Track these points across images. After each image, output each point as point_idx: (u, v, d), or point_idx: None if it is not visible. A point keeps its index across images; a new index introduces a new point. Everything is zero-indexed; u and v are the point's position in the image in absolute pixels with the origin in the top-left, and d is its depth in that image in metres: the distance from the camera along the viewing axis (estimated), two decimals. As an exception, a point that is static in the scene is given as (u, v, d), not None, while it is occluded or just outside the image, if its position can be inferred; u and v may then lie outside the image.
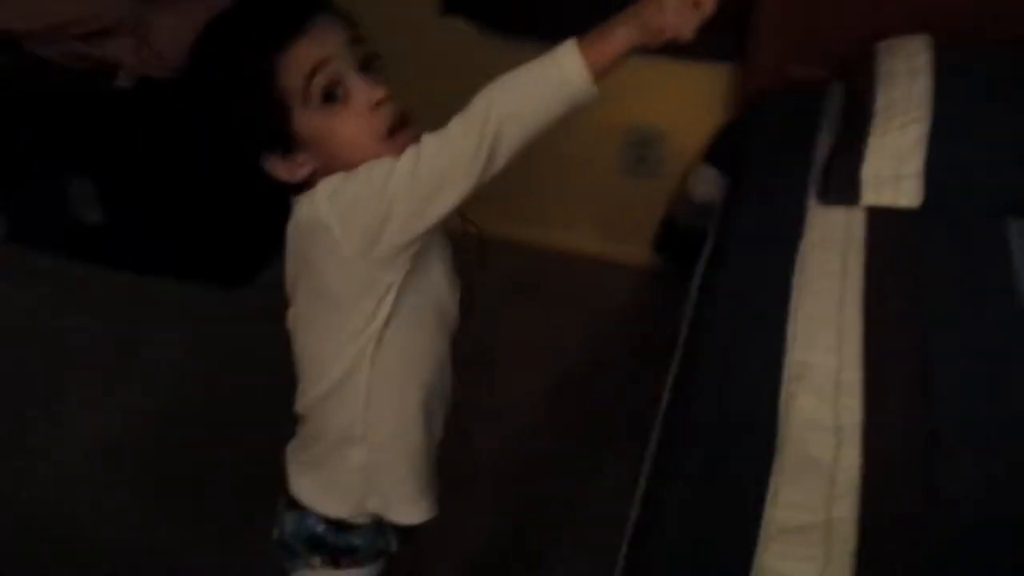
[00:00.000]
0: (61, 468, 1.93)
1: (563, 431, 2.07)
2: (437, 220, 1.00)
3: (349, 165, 1.01)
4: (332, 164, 1.02)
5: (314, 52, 0.99)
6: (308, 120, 1.00)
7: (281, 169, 1.03)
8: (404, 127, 1.03)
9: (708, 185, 2.11)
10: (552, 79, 0.95)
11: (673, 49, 2.04)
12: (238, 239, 2.22)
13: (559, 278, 2.48)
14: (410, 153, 0.96)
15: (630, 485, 1.30)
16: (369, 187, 0.97)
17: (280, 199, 1.07)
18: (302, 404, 1.15)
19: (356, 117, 1.01)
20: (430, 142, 0.96)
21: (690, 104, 2.25)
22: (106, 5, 2.04)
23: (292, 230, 1.05)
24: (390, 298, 1.04)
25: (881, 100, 1.67)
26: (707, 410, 1.25)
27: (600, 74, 0.94)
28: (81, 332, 2.26)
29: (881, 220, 1.55)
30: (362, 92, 1.01)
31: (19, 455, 1.96)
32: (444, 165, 0.96)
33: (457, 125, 0.96)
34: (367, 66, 1.03)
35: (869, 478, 1.12)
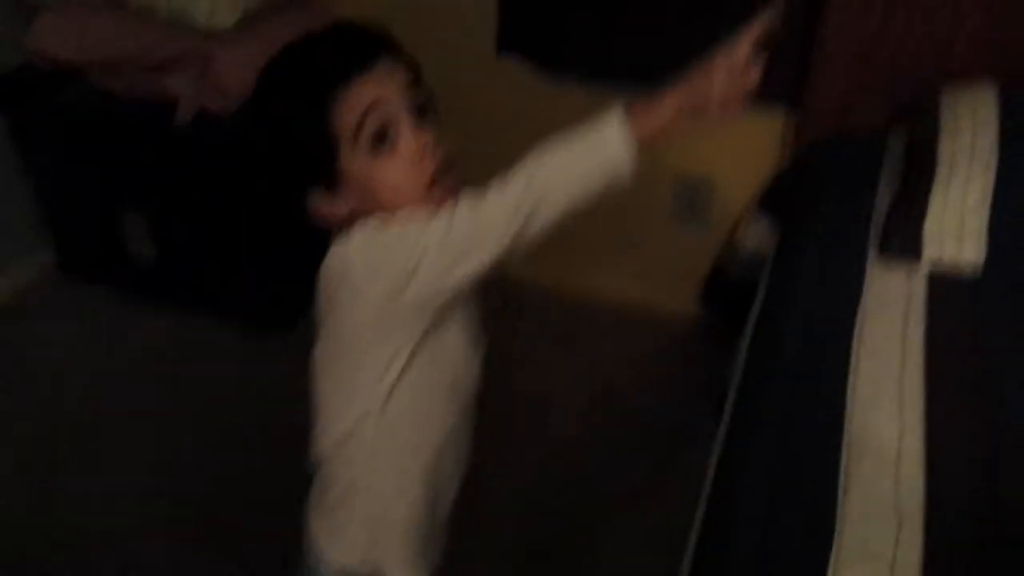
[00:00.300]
0: (99, 505, 1.94)
1: (605, 492, 2.02)
2: (464, 280, 1.00)
3: (387, 208, 1.02)
4: (371, 205, 1.03)
5: (370, 93, 1.00)
6: (355, 159, 1.02)
7: (323, 205, 1.04)
8: (447, 174, 1.03)
9: (760, 235, 2.08)
10: (595, 154, 0.95)
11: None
12: (282, 284, 2.22)
13: (605, 328, 2.46)
14: (446, 213, 0.97)
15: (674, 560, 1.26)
16: (401, 241, 0.98)
17: (324, 245, 1.07)
18: (318, 448, 1.16)
19: (401, 163, 1.02)
20: (466, 206, 0.96)
21: (742, 151, 2.21)
22: (170, 39, 2.07)
23: (323, 271, 1.06)
24: (404, 355, 1.04)
25: (945, 151, 1.62)
26: (759, 488, 1.19)
27: (646, 144, 0.93)
28: (123, 368, 2.28)
29: (942, 286, 1.50)
30: (411, 139, 1.02)
31: (57, 492, 1.97)
32: (476, 231, 0.96)
33: (496, 193, 0.95)
34: (422, 111, 1.04)
35: (929, 567, 1.06)
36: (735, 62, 0.95)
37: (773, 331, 1.51)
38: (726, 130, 2.18)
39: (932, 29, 1.85)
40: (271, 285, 2.33)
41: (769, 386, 1.35)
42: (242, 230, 2.25)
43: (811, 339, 1.44)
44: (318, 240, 1.07)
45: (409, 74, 1.04)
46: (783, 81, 2.03)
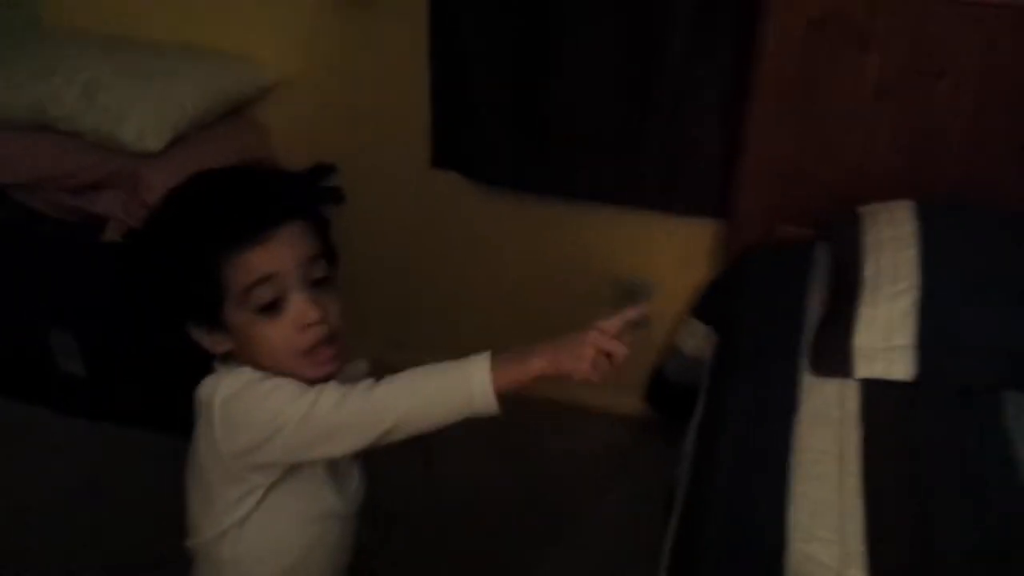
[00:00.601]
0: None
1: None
2: (319, 459, 1.07)
3: (262, 364, 1.04)
4: (248, 355, 1.05)
5: (268, 264, 1.00)
6: (238, 317, 1.03)
7: (204, 340, 1.07)
8: (328, 345, 1.05)
9: (697, 339, 2.11)
10: (458, 394, 0.99)
11: (662, 204, 2.07)
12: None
13: (550, 431, 2.42)
14: (312, 394, 0.99)
15: None
16: (262, 408, 1.01)
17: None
18: (190, 543, 1.19)
19: (283, 330, 1.03)
20: (332, 397, 0.99)
21: (678, 257, 2.25)
22: (99, 159, 2.04)
23: (196, 394, 1.09)
24: (258, 493, 1.07)
25: (869, 268, 1.67)
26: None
27: (504, 391, 0.99)
28: (54, 481, 2.18)
29: (875, 393, 1.53)
30: (297, 312, 1.02)
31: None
32: (333, 426, 0.99)
33: (361, 399, 0.99)
34: (318, 283, 1.05)
35: None
36: (605, 338, 1.03)
37: (711, 450, 1.51)
38: (665, 237, 2.24)
39: (844, 153, 1.94)
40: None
41: (709, 516, 1.34)
42: (172, 344, 2.19)
43: (747, 458, 1.44)
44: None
45: (314, 244, 1.04)
46: (712, 193, 2.10)
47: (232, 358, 1.08)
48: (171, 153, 2.05)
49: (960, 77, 1.81)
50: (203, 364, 2.13)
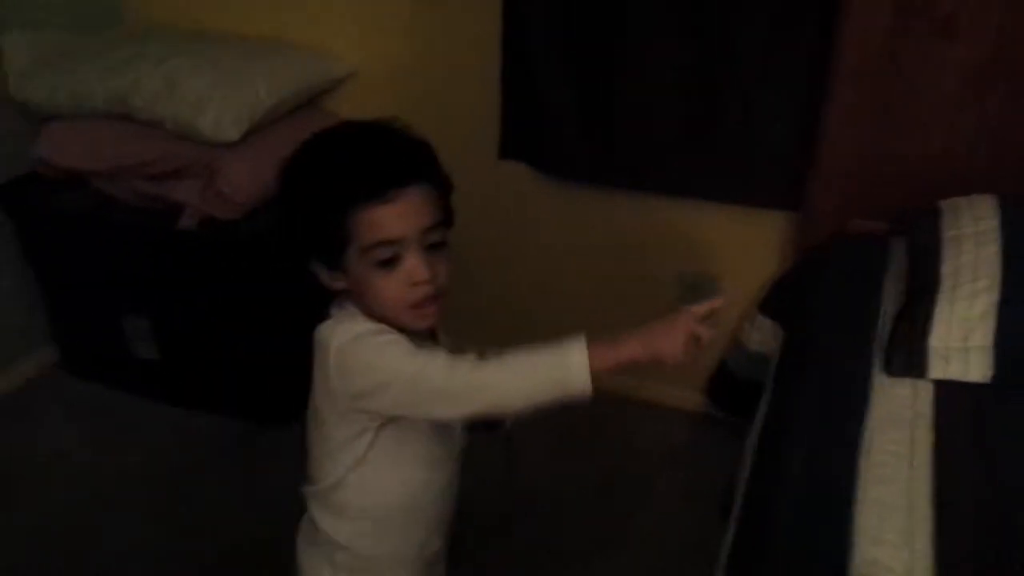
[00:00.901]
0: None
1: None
2: (421, 419, 1.13)
3: (371, 309, 1.11)
4: (360, 297, 1.12)
5: (392, 227, 1.06)
6: (356, 265, 1.09)
7: (324, 276, 1.12)
8: (433, 302, 1.11)
9: (763, 335, 2.07)
10: (556, 374, 1.01)
11: (733, 197, 2.04)
12: (281, 381, 2.22)
13: (613, 423, 2.41)
14: (424, 356, 1.05)
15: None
16: (378, 362, 1.06)
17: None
18: (307, 492, 1.25)
19: (395, 284, 1.09)
20: (438, 365, 1.04)
21: (747, 250, 2.22)
22: (178, 148, 2.10)
23: (316, 334, 1.13)
24: (368, 436, 1.13)
25: (948, 265, 1.61)
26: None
27: (600, 372, 1.00)
28: (125, 466, 2.25)
29: (950, 395, 1.48)
30: (412, 269, 1.08)
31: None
32: (439, 391, 1.04)
33: (468, 371, 1.03)
34: (433, 246, 1.10)
35: None
36: (694, 322, 1.04)
37: (777, 449, 1.47)
38: (734, 229, 2.21)
39: (924, 147, 1.88)
40: (270, 383, 2.32)
41: (772, 516, 1.31)
42: (243, 331, 2.25)
43: (815, 459, 1.40)
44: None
45: (434, 210, 1.10)
46: (784, 187, 2.05)
47: (346, 298, 1.14)
48: (248, 143, 2.10)
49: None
50: (273, 349, 2.18)
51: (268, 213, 2.11)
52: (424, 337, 1.17)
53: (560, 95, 2.14)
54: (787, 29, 1.90)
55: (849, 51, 1.85)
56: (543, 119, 2.17)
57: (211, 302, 2.24)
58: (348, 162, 1.08)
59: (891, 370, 1.54)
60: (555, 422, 2.31)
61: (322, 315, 1.16)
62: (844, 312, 1.76)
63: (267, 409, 2.36)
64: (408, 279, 1.08)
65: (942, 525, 1.24)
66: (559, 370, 1.00)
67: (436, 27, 2.23)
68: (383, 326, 1.10)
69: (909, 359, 1.53)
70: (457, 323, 2.34)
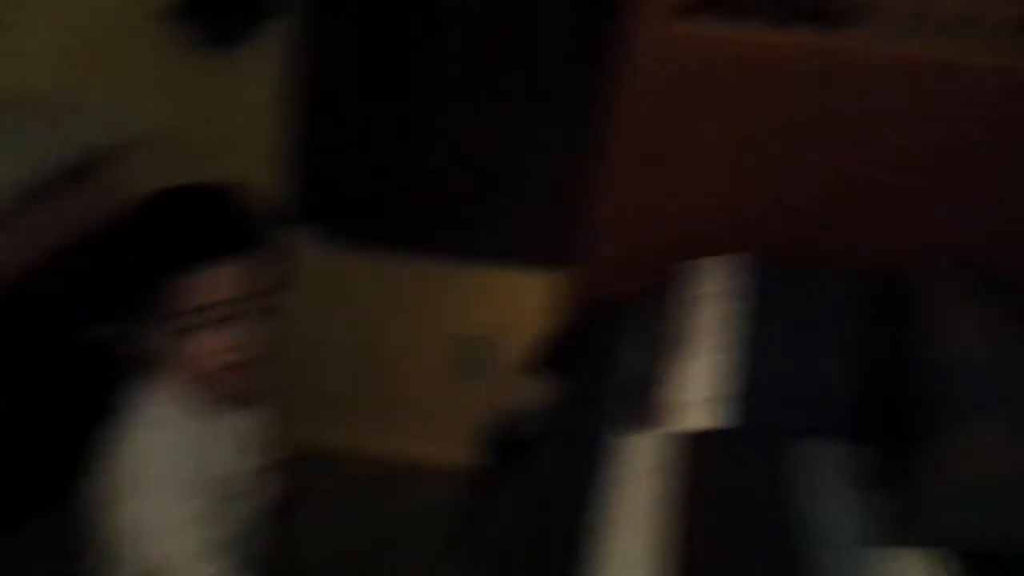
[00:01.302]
0: None
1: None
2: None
3: (182, 372, 1.11)
4: (171, 359, 1.11)
5: (213, 291, 1.06)
6: (168, 328, 1.08)
7: (141, 339, 1.10)
8: (244, 368, 1.12)
9: (529, 393, 2.14)
10: None
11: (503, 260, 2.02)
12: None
13: (384, 489, 2.42)
14: (175, 542, 1.07)
15: None
16: (137, 507, 1.07)
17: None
18: None
19: (210, 347, 1.09)
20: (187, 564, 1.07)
21: (518, 311, 2.31)
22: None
23: (118, 403, 1.13)
24: None
25: (691, 322, 1.75)
26: None
27: None
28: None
29: (691, 445, 1.57)
30: (227, 338, 1.10)
31: None
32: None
33: None
34: (255, 313, 1.11)
35: None
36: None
37: (528, 505, 1.57)
38: (505, 291, 2.31)
39: (682, 214, 2.05)
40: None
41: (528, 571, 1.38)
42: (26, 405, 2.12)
43: (561, 514, 1.48)
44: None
45: (260, 278, 1.11)
46: (555, 248, 2.20)
47: (155, 367, 1.13)
48: (15, 218, 2.00)
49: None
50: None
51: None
52: (231, 402, 1.19)
53: (334, 161, 2.20)
54: (556, 102, 2.05)
55: (618, 128, 2.00)
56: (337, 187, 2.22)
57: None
58: (176, 226, 1.09)
59: (635, 424, 1.62)
60: (326, 488, 2.30)
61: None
62: (596, 369, 1.85)
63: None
64: (224, 345, 1.10)
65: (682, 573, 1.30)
66: None
67: (223, 88, 2.22)
68: (181, 423, 1.12)
69: (651, 413, 1.62)
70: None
